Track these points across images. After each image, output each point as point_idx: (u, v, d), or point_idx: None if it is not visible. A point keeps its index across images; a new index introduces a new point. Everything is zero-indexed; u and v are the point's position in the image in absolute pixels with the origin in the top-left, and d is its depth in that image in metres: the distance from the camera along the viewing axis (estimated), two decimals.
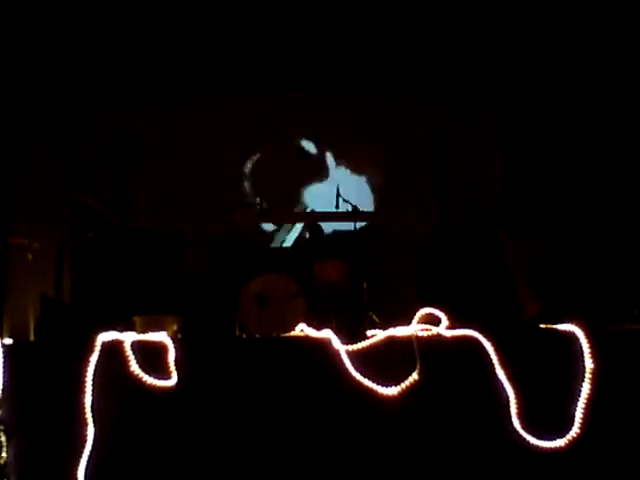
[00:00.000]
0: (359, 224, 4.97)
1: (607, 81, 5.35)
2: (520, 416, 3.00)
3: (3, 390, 2.95)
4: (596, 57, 5.31)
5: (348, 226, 5.03)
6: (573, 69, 5.48)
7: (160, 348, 3.10)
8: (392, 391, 3.02)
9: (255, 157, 6.33)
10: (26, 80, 5.52)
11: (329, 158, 6.38)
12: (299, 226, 6.07)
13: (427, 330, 3.23)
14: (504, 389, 3.03)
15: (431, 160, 6.04)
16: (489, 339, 3.11)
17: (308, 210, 6.17)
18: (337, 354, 3.11)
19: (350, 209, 4.81)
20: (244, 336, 4.21)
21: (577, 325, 3.14)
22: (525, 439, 2.98)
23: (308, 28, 5.37)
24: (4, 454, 2.89)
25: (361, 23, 5.32)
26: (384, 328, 3.30)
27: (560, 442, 2.96)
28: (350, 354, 3.11)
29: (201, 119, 6.20)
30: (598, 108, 5.43)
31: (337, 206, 4.85)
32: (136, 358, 3.04)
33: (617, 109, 5.33)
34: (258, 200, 5.04)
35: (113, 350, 3.05)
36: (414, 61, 5.73)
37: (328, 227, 5.76)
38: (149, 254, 4.90)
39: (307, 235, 5.73)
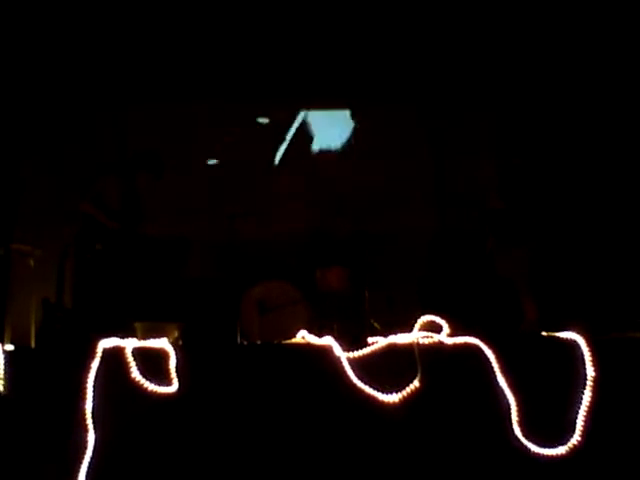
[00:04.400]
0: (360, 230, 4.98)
1: (602, 86, 5.37)
2: (521, 423, 2.99)
3: (4, 396, 2.95)
4: (591, 60, 5.33)
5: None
6: (568, 74, 5.50)
7: (161, 355, 3.10)
8: (393, 398, 3.01)
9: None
10: (29, 86, 5.55)
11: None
12: None
13: (428, 337, 3.23)
14: (505, 396, 3.02)
15: (431, 165, 6.07)
16: (490, 347, 3.10)
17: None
18: (338, 361, 3.10)
19: None
20: (245, 343, 4.21)
21: (579, 333, 3.14)
22: (526, 446, 2.97)
23: (307, 34, 5.41)
24: None
25: (356, 29, 5.36)
26: (385, 335, 3.29)
27: (561, 450, 2.95)
28: (351, 361, 3.10)
29: (204, 125, 6.22)
30: (596, 111, 5.45)
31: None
32: (137, 364, 3.03)
33: (613, 111, 5.34)
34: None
35: (114, 356, 3.05)
36: (414, 65, 5.76)
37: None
38: (152, 259, 4.89)
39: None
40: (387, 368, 3.10)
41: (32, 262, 4.30)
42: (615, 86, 5.30)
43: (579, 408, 2.99)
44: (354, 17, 5.24)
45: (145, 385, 3.00)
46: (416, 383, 3.03)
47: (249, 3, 5.23)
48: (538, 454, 2.96)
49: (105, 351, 3.06)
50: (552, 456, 2.95)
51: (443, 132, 6.09)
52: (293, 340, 3.59)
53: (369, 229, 5.58)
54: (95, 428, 2.94)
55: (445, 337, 3.24)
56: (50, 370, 3.07)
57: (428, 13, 5.18)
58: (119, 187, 4.87)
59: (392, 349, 3.16)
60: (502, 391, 3.03)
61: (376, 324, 4.43)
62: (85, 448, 2.91)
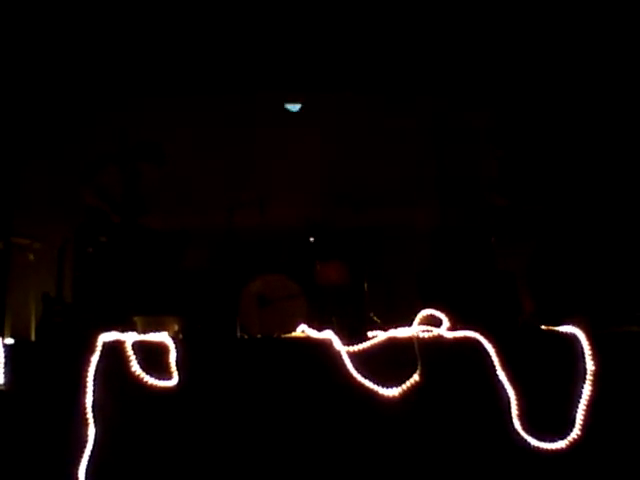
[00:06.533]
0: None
1: (605, 80, 5.36)
2: (521, 417, 3.00)
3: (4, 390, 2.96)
4: (593, 53, 5.31)
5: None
6: (571, 68, 5.49)
7: (161, 348, 3.10)
8: (393, 392, 3.02)
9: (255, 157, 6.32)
10: (29, 79, 5.52)
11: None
12: None
13: (428, 331, 3.23)
14: (505, 390, 3.03)
15: (433, 159, 6.05)
16: (490, 340, 3.10)
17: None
18: (338, 355, 3.10)
19: None
20: (245, 336, 4.21)
21: (578, 327, 3.14)
22: (526, 440, 2.98)
23: (305, 28, 5.38)
24: None
25: (358, 24, 5.32)
26: (385, 329, 3.30)
27: (561, 444, 2.96)
28: (351, 355, 3.11)
29: (202, 117, 6.20)
30: (598, 106, 5.43)
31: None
32: (137, 358, 3.04)
33: (615, 107, 5.33)
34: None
35: (114, 350, 3.05)
36: (413, 60, 5.73)
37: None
38: (152, 253, 4.89)
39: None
40: (387, 362, 3.10)
41: (32, 256, 4.29)
42: (618, 80, 5.28)
43: (579, 402, 3.00)
44: (356, 6, 5.21)
45: (145, 379, 3.01)
46: (416, 377, 3.03)
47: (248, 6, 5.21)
48: (538, 448, 2.97)
49: (105, 345, 3.06)
50: (552, 450, 2.96)
51: (445, 126, 6.08)
52: (293, 334, 3.60)
53: (369, 223, 5.59)
54: (95, 422, 2.95)
55: (445, 331, 3.24)
56: (50, 364, 3.07)
57: (430, 4, 5.15)
58: (121, 178, 4.87)
59: (392, 343, 3.16)
60: (502, 385, 3.03)
61: (376, 318, 4.42)
62: (85, 442, 2.92)
